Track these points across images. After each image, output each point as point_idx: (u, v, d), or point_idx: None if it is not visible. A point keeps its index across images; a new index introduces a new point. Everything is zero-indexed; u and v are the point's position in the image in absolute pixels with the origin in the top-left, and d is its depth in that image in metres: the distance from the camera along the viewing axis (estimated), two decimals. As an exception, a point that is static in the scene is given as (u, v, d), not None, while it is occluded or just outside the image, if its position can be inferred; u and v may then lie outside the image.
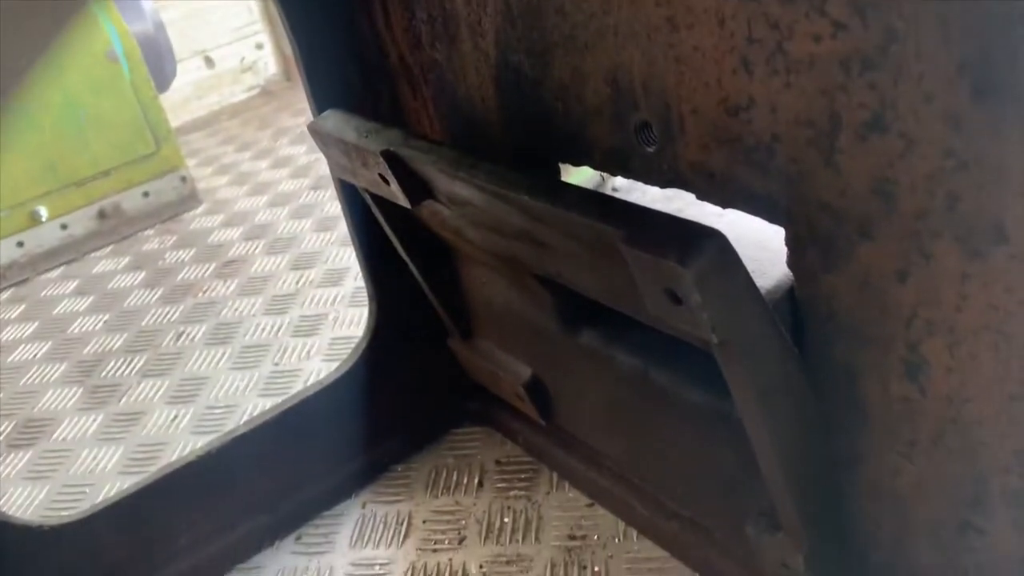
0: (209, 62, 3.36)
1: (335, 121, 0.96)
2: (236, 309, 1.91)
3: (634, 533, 1.12)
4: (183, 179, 2.50)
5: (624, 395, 0.95)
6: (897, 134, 0.57)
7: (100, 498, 1.28)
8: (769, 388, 0.67)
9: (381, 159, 0.87)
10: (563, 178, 0.99)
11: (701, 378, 0.84)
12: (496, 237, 0.87)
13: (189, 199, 2.51)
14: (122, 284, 2.14)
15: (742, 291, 0.62)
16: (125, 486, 1.12)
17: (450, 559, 1.15)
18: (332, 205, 2.33)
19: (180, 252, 2.26)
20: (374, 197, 1.01)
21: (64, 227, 2.32)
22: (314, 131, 0.98)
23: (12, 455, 1.54)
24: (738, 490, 0.85)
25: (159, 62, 2.52)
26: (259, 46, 3.48)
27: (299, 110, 3.20)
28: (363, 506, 1.27)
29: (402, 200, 0.91)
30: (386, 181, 0.90)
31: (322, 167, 2.53)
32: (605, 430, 1.06)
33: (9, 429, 1.62)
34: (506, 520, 1.19)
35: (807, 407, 0.72)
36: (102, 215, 2.38)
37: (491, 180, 0.77)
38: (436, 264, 1.11)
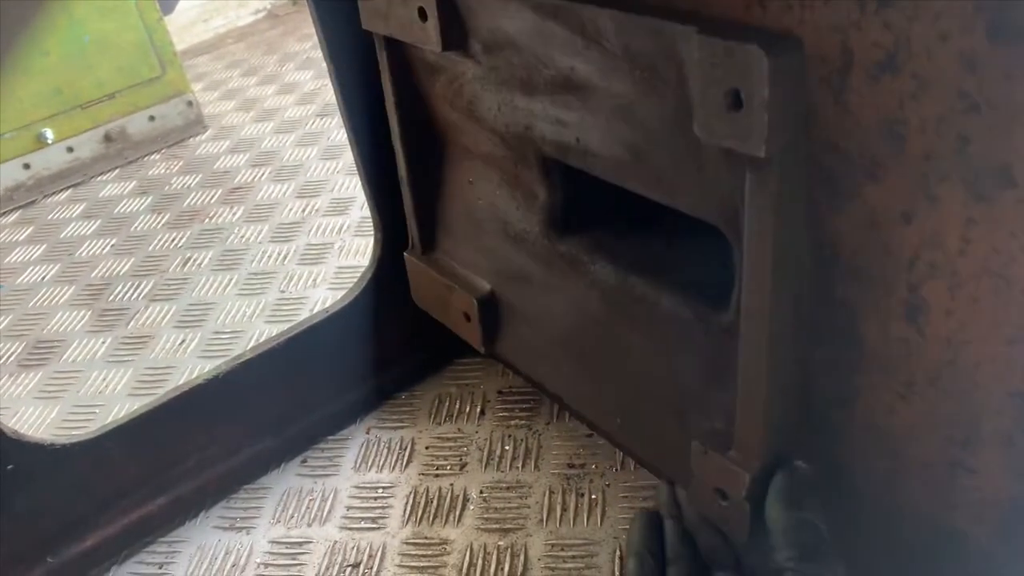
0: (214, -17, 3.30)
1: None
2: (242, 236, 1.92)
3: (631, 463, 1.15)
4: (189, 104, 2.48)
5: (591, 310, 0.94)
6: (910, 74, 0.57)
7: (109, 419, 1.30)
8: (788, 245, 0.66)
9: None
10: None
11: (682, 285, 0.84)
12: (520, 98, 0.86)
13: (195, 124, 2.50)
14: (129, 209, 2.14)
15: (799, 110, 0.62)
16: (134, 408, 1.15)
17: (451, 484, 1.18)
18: (338, 133, 2.32)
19: (186, 177, 2.26)
20: (391, 59, 0.99)
21: (70, 150, 2.31)
22: None
23: (23, 375, 1.57)
24: (691, 413, 0.84)
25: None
26: (265, -33, 3.41)
27: (305, 35, 3.16)
28: (367, 431, 1.29)
29: (434, 42, 0.88)
30: (424, 17, 0.88)
31: (328, 94, 2.50)
32: (555, 357, 1.04)
33: (20, 349, 1.64)
34: (507, 448, 1.22)
35: (807, 302, 0.71)
36: (108, 138, 2.37)
37: None
38: (424, 161, 1.09)
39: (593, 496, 1.12)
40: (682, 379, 0.86)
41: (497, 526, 1.11)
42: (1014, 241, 0.56)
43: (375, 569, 1.08)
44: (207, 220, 2.02)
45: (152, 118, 2.43)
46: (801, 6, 0.61)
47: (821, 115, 0.63)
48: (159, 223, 2.05)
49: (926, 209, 0.60)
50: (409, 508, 1.15)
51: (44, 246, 2.03)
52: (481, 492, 1.16)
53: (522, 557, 1.06)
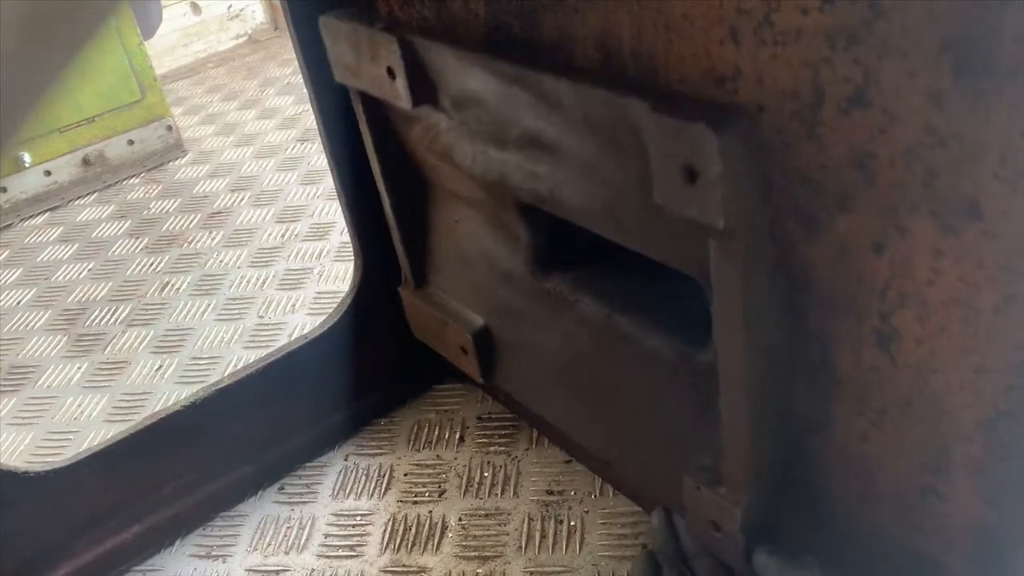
0: (196, 9, 3.31)
1: (347, 15, 0.96)
2: (221, 261, 1.91)
3: (610, 489, 1.15)
4: (168, 128, 2.48)
5: (580, 346, 0.95)
6: (879, 109, 0.58)
7: (85, 446, 1.29)
8: (756, 300, 0.68)
9: (395, 46, 0.86)
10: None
11: (665, 324, 0.85)
12: (492, 150, 0.87)
13: (174, 148, 2.50)
14: (107, 233, 2.13)
15: (755, 179, 0.63)
16: (110, 434, 1.14)
17: (430, 511, 1.17)
18: (318, 158, 2.32)
19: (165, 202, 2.25)
20: (367, 108, 1.00)
21: (48, 173, 2.30)
22: (326, 25, 0.97)
23: (-4, 401, 1.55)
24: (681, 446, 0.86)
25: (145, 8, 2.48)
26: (247, -7, 3.42)
27: (286, 60, 3.17)
28: (346, 458, 1.29)
29: (404, 99, 0.90)
30: (392, 76, 0.90)
31: (309, 119, 2.51)
32: (550, 389, 1.05)
33: (-7, 375, 1.63)
34: (486, 474, 1.21)
35: (781, 343, 0.73)
36: (86, 162, 2.36)
37: (510, 63, 0.77)
38: (410, 200, 1.10)
39: (572, 523, 1.12)
40: (670, 415, 0.87)
41: (476, 554, 1.10)
42: (981, 272, 0.58)
43: (353, 597, 1.07)
44: (185, 245, 2.01)
45: (131, 142, 2.42)
46: (774, 42, 0.62)
47: (794, 148, 0.64)
48: (137, 247, 2.04)
49: (896, 240, 0.62)
50: (387, 536, 1.15)
51: (20, 270, 2.01)
52: (460, 519, 1.16)
53: (501, 584, 1.06)
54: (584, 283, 0.93)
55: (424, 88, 0.89)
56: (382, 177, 1.07)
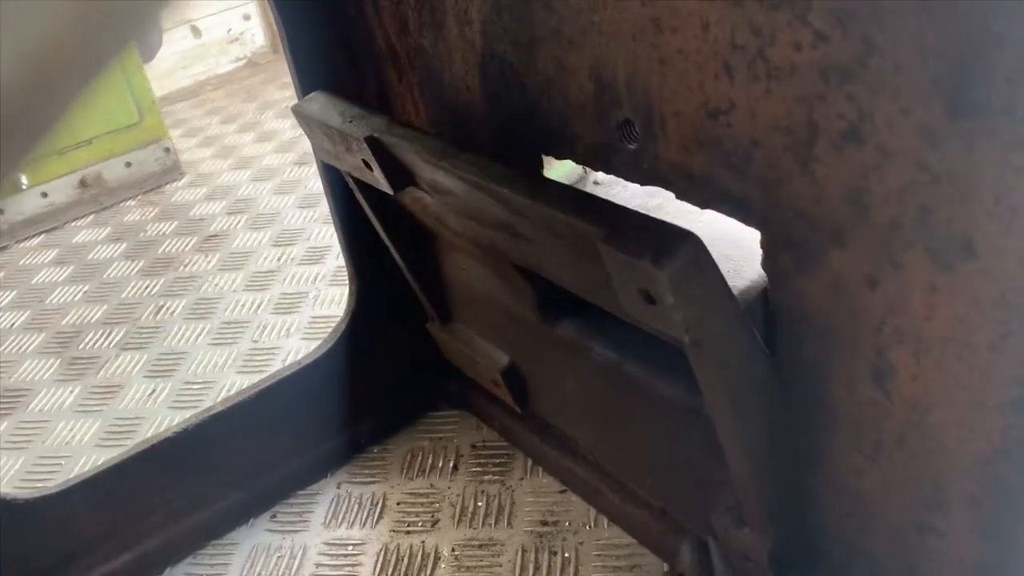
0: (196, 32, 3.33)
1: (320, 104, 0.96)
2: (216, 284, 1.91)
3: (605, 520, 1.14)
4: (166, 150, 2.48)
5: (599, 386, 0.96)
6: (873, 146, 0.58)
7: (76, 471, 1.28)
8: (739, 388, 0.68)
9: (365, 145, 0.87)
10: (546, 169, 0.99)
11: (674, 373, 0.85)
12: (477, 226, 0.88)
13: (172, 171, 2.50)
14: (102, 255, 2.13)
15: (715, 293, 0.63)
16: (101, 459, 1.13)
17: (423, 541, 1.16)
18: (316, 182, 2.32)
19: (161, 224, 2.25)
20: (357, 181, 1.01)
21: (45, 195, 2.30)
22: (298, 114, 0.98)
23: (-13, 425, 1.54)
24: (706, 482, 0.86)
25: (145, 31, 2.49)
26: (247, 17, 3.44)
27: (285, 83, 3.17)
28: (338, 486, 1.28)
29: (384, 186, 0.91)
30: (369, 167, 0.91)
31: (307, 143, 2.51)
32: (580, 419, 1.07)
33: (-15, 398, 1.62)
34: (479, 504, 1.20)
35: (776, 407, 0.73)
36: (83, 184, 2.36)
37: (472, 172, 0.77)
38: (417, 249, 1.11)
39: (567, 554, 1.11)
40: (690, 456, 0.87)
41: (469, 584, 1.09)
42: (976, 309, 0.57)
43: (343, 629, 1.06)
44: (181, 268, 2.01)
45: (129, 164, 2.42)
46: (768, 77, 0.62)
47: (787, 183, 0.64)
48: (133, 270, 2.03)
49: (891, 275, 0.62)
50: (380, 566, 1.13)
51: (14, 292, 2.00)
52: (453, 550, 1.14)
53: (493, 616, 1.05)
54: (593, 329, 0.93)
55: (402, 175, 0.90)
56: (387, 236, 1.09)
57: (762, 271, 0.72)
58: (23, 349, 1.77)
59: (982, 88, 0.51)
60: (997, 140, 0.52)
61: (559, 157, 0.89)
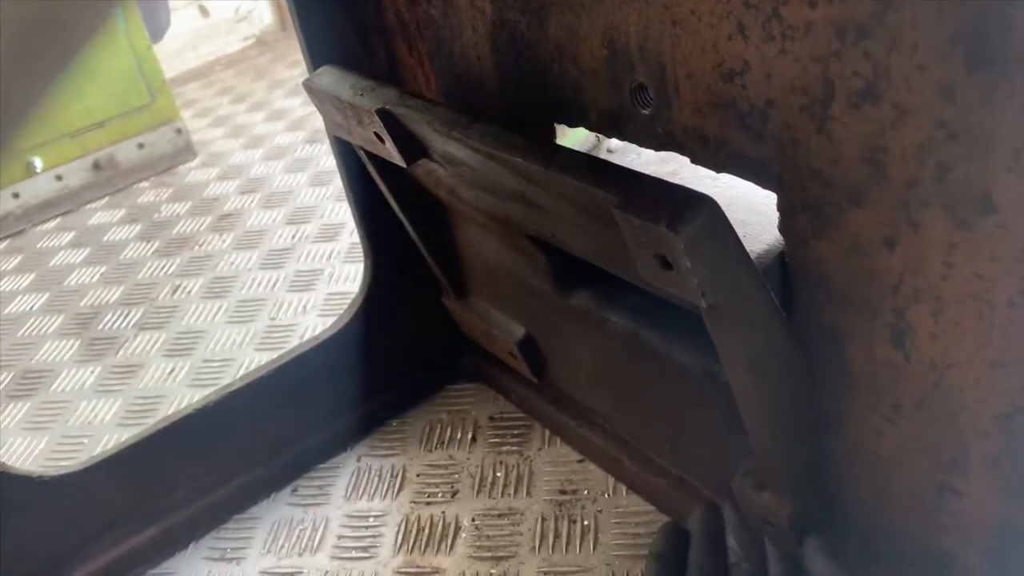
0: (204, 11, 3.32)
1: (330, 78, 0.96)
2: (232, 263, 1.92)
3: (623, 488, 1.14)
4: (178, 131, 2.49)
5: (615, 355, 0.96)
6: (890, 103, 0.57)
7: (98, 449, 1.30)
8: (756, 352, 0.68)
9: (376, 117, 0.87)
10: (558, 138, 0.99)
11: (691, 340, 0.85)
12: (490, 197, 0.88)
13: (184, 151, 2.50)
14: (118, 236, 2.14)
15: (732, 257, 0.62)
16: (123, 438, 1.14)
17: (443, 512, 1.17)
18: (328, 159, 2.33)
19: (175, 205, 2.26)
20: (369, 155, 1.01)
21: (59, 178, 2.31)
22: (309, 88, 0.97)
23: (11, 405, 1.56)
24: (724, 447, 0.87)
25: (153, 11, 2.49)
26: (254, -5, 3.43)
27: (294, 61, 3.17)
28: (358, 459, 1.29)
29: (397, 159, 0.91)
30: (381, 140, 0.90)
31: (318, 120, 2.51)
32: (597, 388, 1.07)
33: (8, 380, 1.64)
34: (498, 475, 1.21)
35: (794, 371, 0.73)
36: (97, 166, 2.37)
37: (485, 141, 0.77)
38: (431, 223, 1.11)
39: (586, 522, 1.11)
40: (708, 423, 0.87)
41: (489, 554, 1.10)
42: (995, 266, 0.57)
43: (367, 598, 1.07)
44: (196, 248, 2.01)
45: (141, 146, 2.43)
46: (782, 36, 0.62)
47: (803, 143, 0.64)
48: (148, 251, 2.04)
49: (909, 235, 0.61)
50: (401, 536, 1.15)
51: (33, 275, 2.02)
52: (473, 519, 1.15)
53: (514, 584, 1.06)
54: (608, 298, 0.93)
55: (414, 147, 0.89)
56: (400, 210, 1.08)
57: (779, 235, 0.72)
58: (43, 331, 1.78)
59: (1000, 42, 0.50)
60: (1017, 94, 0.51)
61: (572, 125, 0.89)
